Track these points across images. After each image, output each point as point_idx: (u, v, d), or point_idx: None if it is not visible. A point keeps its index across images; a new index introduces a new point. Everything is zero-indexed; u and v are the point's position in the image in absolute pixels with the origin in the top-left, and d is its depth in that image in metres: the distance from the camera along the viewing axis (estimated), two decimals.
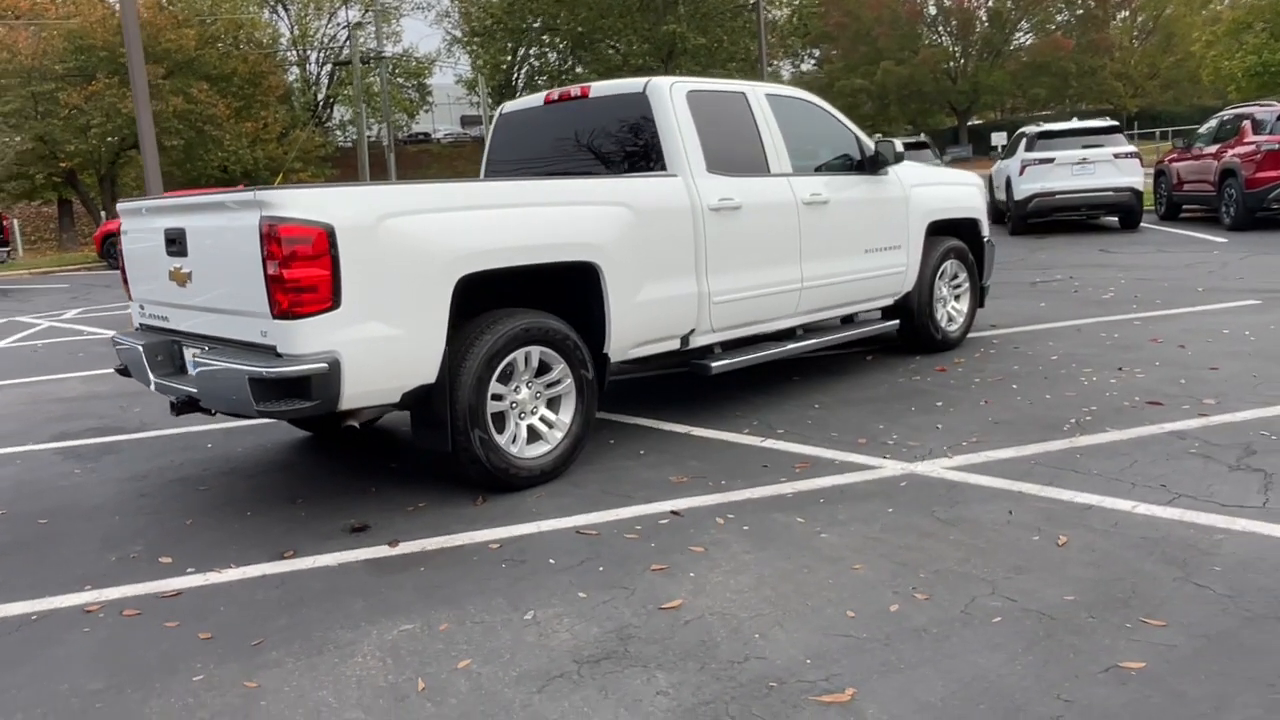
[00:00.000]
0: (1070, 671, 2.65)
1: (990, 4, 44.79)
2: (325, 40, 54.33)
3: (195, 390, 4.18)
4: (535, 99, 6.03)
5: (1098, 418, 5.07)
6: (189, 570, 3.80)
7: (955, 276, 7.14)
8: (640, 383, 6.65)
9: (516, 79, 37.81)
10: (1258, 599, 2.99)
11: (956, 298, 7.21)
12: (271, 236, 3.72)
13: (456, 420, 4.23)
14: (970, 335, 7.42)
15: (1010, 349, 6.97)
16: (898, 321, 6.68)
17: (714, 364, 5.33)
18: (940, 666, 2.72)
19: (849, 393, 5.98)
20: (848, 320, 6.64)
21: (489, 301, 4.49)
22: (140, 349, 4.61)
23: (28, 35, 29.02)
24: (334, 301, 3.81)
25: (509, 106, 6.23)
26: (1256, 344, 6.56)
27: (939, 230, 6.92)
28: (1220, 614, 2.92)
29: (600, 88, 5.67)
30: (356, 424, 4.28)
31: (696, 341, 5.33)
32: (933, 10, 46.25)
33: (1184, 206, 16.40)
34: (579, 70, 32.77)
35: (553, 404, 4.67)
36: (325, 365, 3.79)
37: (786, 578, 3.38)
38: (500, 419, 4.46)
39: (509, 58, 34.08)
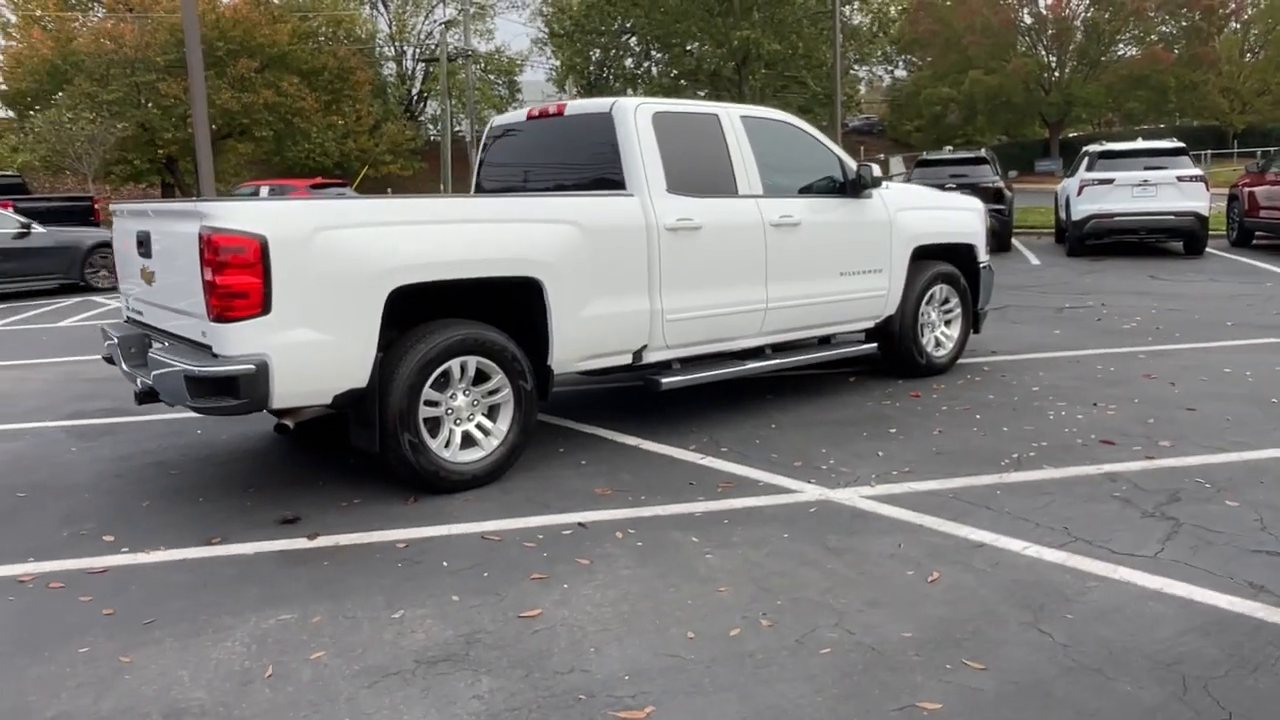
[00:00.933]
0: (865, 707, 2.72)
1: (1088, 14, 43.39)
2: (422, 36, 55.83)
3: (151, 382, 4.50)
4: (521, 113, 6.24)
5: (1041, 454, 5.03)
6: (124, 549, 4.11)
7: (946, 301, 7.09)
8: (615, 393, 6.80)
9: (608, 76, 38.14)
10: (1091, 650, 2.99)
11: (947, 323, 7.15)
12: (209, 245, 4.01)
13: (386, 423, 4.46)
14: (964, 361, 7.36)
15: (996, 377, 6.90)
16: (876, 344, 6.69)
17: (665, 380, 5.45)
18: (745, 692, 2.82)
19: (812, 414, 6.02)
20: (826, 341, 6.66)
21: (434, 311, 4.71)
22: (116, 340, 4.97)
23: (133, 28, 30.65)
24: (265, 308, 4.07)
25: (499, 119, 6.46)
26: (1251, 385, 6.37)
27: (928, 255, 6.89)
28: (1045, 662, 2.94)
29: (574, 106, 5.85)
30: (290, 424, 4.55)
31: (651, 357, 5.46)
32: (1027, 19, 45.04)
33: (1256, 233, 15.75)
34: (654, 73, 33.00)
35: (492, 412, 4.87)
36: (253, 367, 4.05)
37: (650, 595, 3.50)
38: (436, 424, 4.67)
39: (592, 56, 34.50)
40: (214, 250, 4.00)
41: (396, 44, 54.98)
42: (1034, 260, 15.50)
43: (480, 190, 6.41)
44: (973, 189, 16.59)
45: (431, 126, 58.60)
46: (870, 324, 6.65)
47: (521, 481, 4.85)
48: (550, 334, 4.93)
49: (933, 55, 46.82)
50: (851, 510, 4.32)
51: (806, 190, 6.23)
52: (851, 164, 6.39)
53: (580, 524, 4.24)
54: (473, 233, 4.66)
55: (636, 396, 6.58)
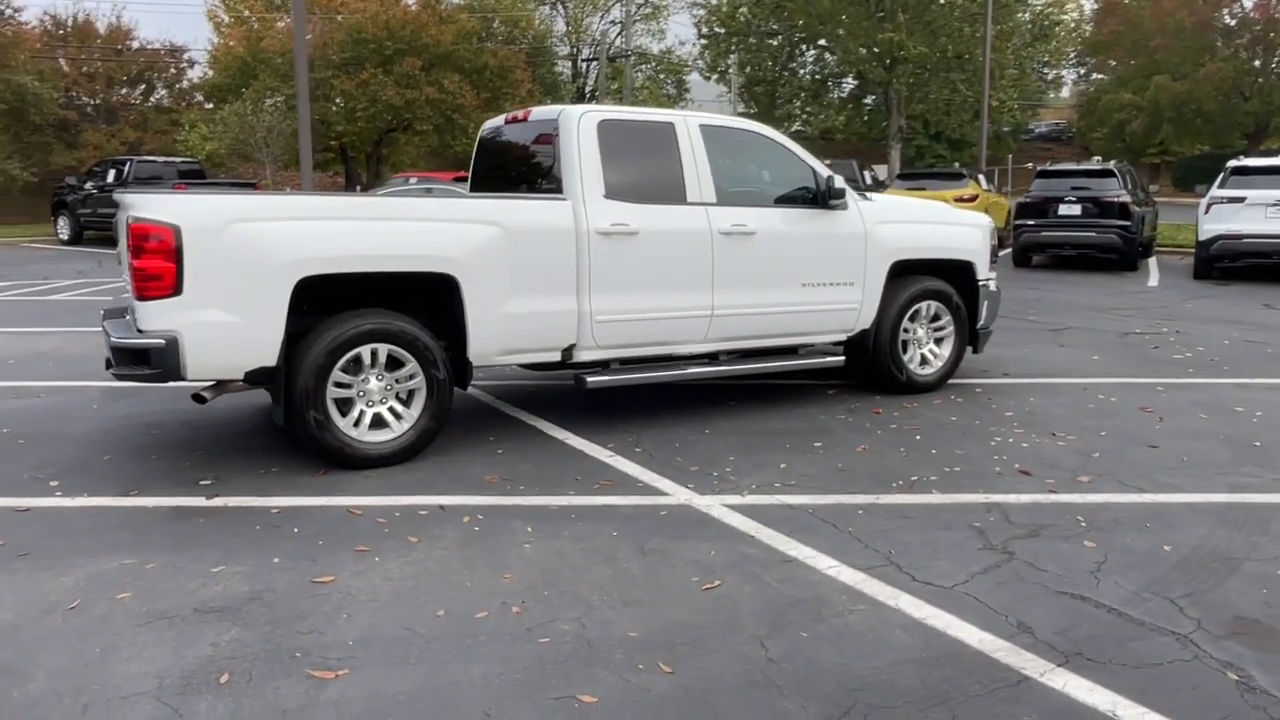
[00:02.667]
0: (530, 692, 2.88)
1: None
2: (598, 35, 57.28)
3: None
4: (502, 119, 6.56)
5: (944, 479, 4.90)
6: (57, 494, 4.72)
7: (937, 319, 6.90)
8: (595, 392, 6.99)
9: (753, 78, 37.83)
10: (792, 669, 3.01)
11: (938, 341, 6.95)
12: (131, 233, 4.55)
13: (293, 401, 4.89)
14: (962, 381, 7.13)
15: (980, 400, 6.65)
16: (843, 357, 6.60)
17: (590, 380, 5.64)
18: (438, 668, 3.02)
19: (756, 423, 6.04)
20: (791, 351, 6.60)
21: (359, 300, 5.10)
22: (104, 315, 5.65)
23: (315, 28, 33.15)
24: (178, 289, 4.57)
25: (488, 124, 6.80)
26: (1247, 426, 5.89)
27: (914, 270, 6.73)
28: (736, 674, 2.98)
29: (537, 112, 6.11)
30: (207, 395, 5.05)
31: (583, 356, 5.66)
32: (1228, 20, 41.36)
33: None
34: (800, 73, 32.61)
35: (407, 397, 5.21)
36: (163, 341, 4.57)
37: (443, 574, 3.74)
38: (349, 404, 5.07)
39: (732, 58, 34.46)
40: (134, 237, 4.53)
41: (572, 42, 56.65)
42: (1152, 281, 14.50)
43: (472, 190, 6.78)
44: (1094, 203, 15.77)
45: None
46: (840, 336, 6.57)
47: (428, 463, 5.18)
48: (467, 328, 5.23)
49: (1117, 59, 43.87)
50: (700, 517, 4.39)
51: (770, 200, 6.24)
52: (825, 175, 6.33)
53: (441, 506, 4.53)
54: (385, 230, 5.02)
55: (608, 396, 6.76)
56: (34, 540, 4.11)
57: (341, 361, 4.96)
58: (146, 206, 4.58)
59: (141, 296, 4.59)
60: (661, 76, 55.35)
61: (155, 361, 4.59)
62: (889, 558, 3.88)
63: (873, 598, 3.52)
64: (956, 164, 29.50)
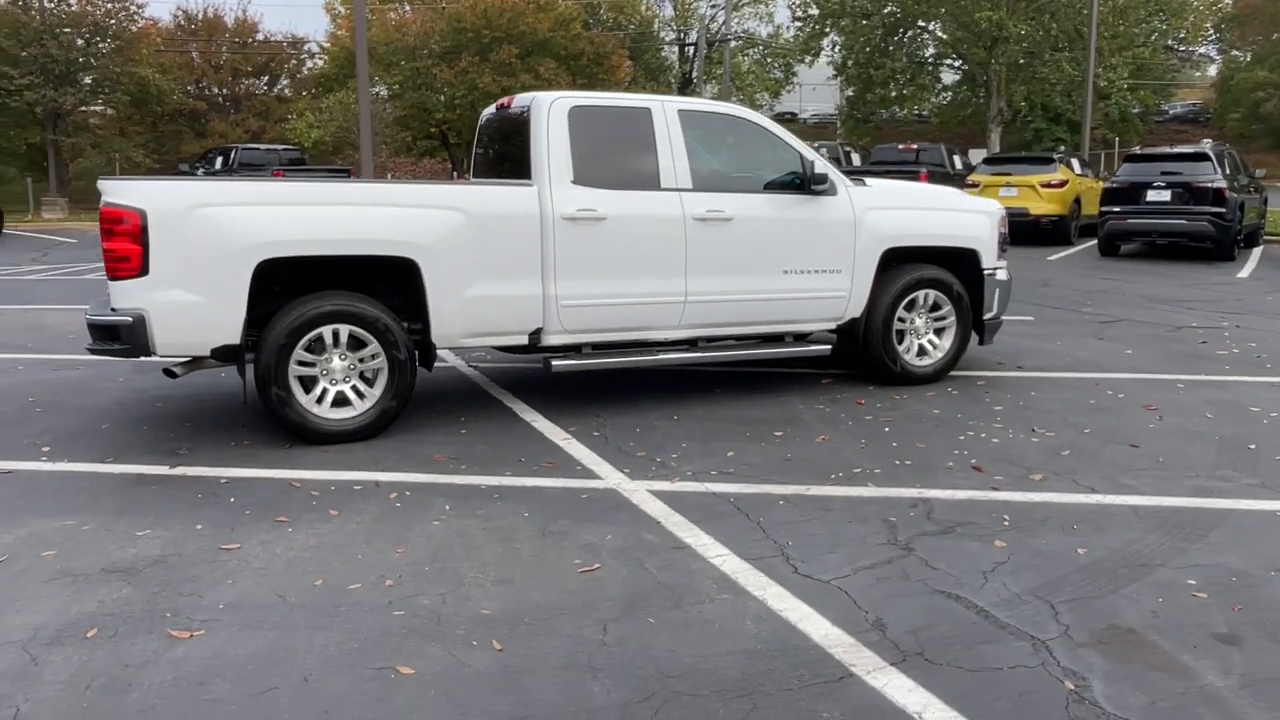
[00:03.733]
0: (356, 661, 2.98)
1: None
2: (706, 20, 56.97)
3: None
4: (493, 106, 6.67)
5: (888, 472, 4.77)
6: (43, 458, 5.09)
7: (937, 308, 6.68)
8: (593, 375, 7.05)
9: (845, 61, 36.94)
10: (620, 653, 3.02)
11: (938, 332, 6.73)
12: (103, 216, 4.85)
13: (256, 378, 5.13)
14: (966, 372, 6.91)
15: (977, 393, 6.42)
16: (829, 347, 6.47)
17: (555, 363, 5.72)
18: (287, 633, 3.16)
19: (730, 410, 6.00)
20: (778, 339, 6.49)
21: (327, 282, 5.31)
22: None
23: (417, 18, 34.10)
24: (144, 270, 4.86)
25: (487, 111, 6.92)
26: (1250, 428, 5.52)
27: (910, 257, 6.54)
28: (561, 654, 3.02)
29: (519, 100, 6.19)
30: (177, 371, 5.34)
31: (551, 340, 5.74)
32: None
33: None
34: (897, 55, 31.63)
35: (373, 376, 5.39)
36: (131, 319, 4.86)
37: (343, 546, 3.88)
38: (313, 382, 5.28)
39: (827, 40, 33.75)
40: (105, 220, 4.84)
41: (678, 27, 56.51)
42: (1243, 273, 13.61)
43: (475, 175, 6.93)
44: (1185, 189, 14.92)
45: None
46: (829, 325, 6.44)
47: (389, 440, 5.35)
48: (428, 310, 5.37)
49: (1254, 34, 40.97)
50: (619, 501, 4.42)
51: (752, 186, 6.16)
52: (812, 161, 6.21)
53: (377, 483, 4.68)
54: (345, 215, 5.20)
55: (596, 381, 6.82)
56: (1, 500, 4.45)
57: (304, 341, 5.17)
58: (116, 192, 4.88)
59: (112, 277, 4.90)
60: (769, 60, 54.70)
61: (124, 337, 4.90)
62: (783, 549, 3.83)
63: (741, 587, 3.48)
64: (1062, 147, 28.13)
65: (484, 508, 4.33)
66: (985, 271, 6.76)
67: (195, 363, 5.35)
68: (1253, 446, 5.17)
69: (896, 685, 2.81)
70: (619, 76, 36.72)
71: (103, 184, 4.94)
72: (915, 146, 22.42)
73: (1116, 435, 5.40)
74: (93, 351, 5.12)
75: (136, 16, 31.99)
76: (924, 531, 4.00)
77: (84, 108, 32.63)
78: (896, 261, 6.52)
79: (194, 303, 4.95)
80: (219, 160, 24.48)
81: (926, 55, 31.99)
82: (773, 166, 6.23)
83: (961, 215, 6.78)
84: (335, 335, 5.26)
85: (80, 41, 30.08)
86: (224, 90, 43.12)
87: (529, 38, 32.83)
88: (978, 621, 3.21)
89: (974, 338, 6.89)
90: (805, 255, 6.20)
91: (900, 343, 6.60)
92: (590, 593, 3.46)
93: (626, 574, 3.62)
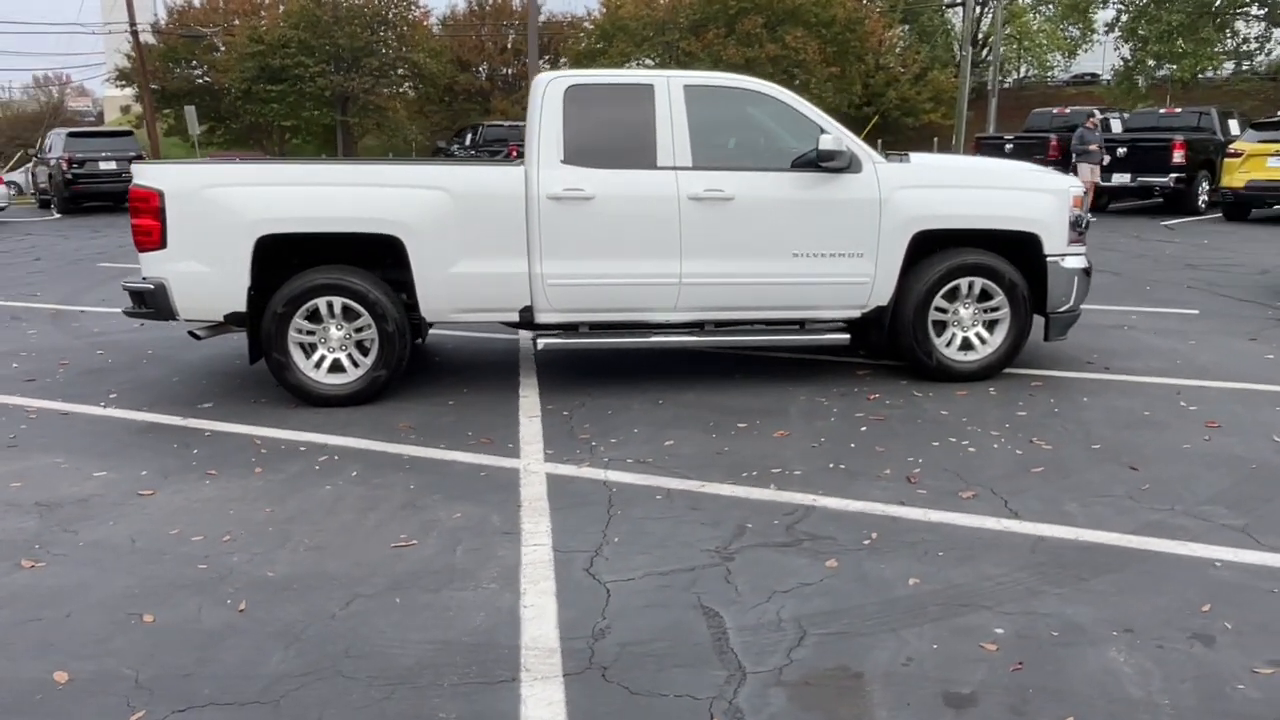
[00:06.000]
0: (116, 605, 3.29)
1: None
2: None
3: None
4: None
5: (808, 476, 4.43)
6: (101, 404, 5.92)
7: (988, 298, 5.99)
8: (620, 354, 7.03)
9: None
10: (296, 627, 3.12)
11: (991, 325, 6.04)
12: (131, 196, 5.54)
13: (259, 342, 5.65)
14: (1040, 371, 6.17)
15: (1017, 394, 5.71)
16: (847, 336, 5.99)
17: (540, 342, 5.78)
18: (100, 572, 3.55)
19: (720, 398, 5.77)
20: (798, 325, 6.08)
21: (330, 258, 5.73)
22: None
23: None
24: (163, 243, 5.50)
25: None
26: None
27: (951, 241, 5.90)
28: (224, 621, 3.16)
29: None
30: (200, 333, 5.96)
31: (542, 318, 5.81)
32: None
33: None
34: (1171, 6, 27.61)
35: (371, 345, 5.75)
36: (153, 287, 5.53)
37: (230, 502, 4.24)
38: (313, 349, 5.73)
39: None
40: (132, 199, 5.52)
41: None
42: None
43: None
44: None
45: (992, 74, 55.76)
46: (853, 313, 5.98)
47: (379, 405, 5.69)
48: (415, 286, 5.63)
49: None
50: (508, 481, 4.44)
51: (763, 163, 5.83)
52: (835, 137, 5.75)
53: (323, 445, 5.03)
54: (335, 195, 5.55)
55: (624, 360, 6.80)
56: (30, 437, 5.26)
57: (301, 311, 5.62)
58: (142, 174, 5.54)
59: (140, 249, 5.58)
60: (1058, 20, 50.09)
61: (149, 303, 5.58)
62: (602, 546, 3.71)
63: (516, 579, 3.44)
64: None
65: (384, 477, 4.54)
66: (1048, 258, 5.95)
67: (217, 327, 5.96)
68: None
69: (539, 698, 2.70)
70: (871, 44, 35.25)
71: (134, 167, 5.63)
72: (1178, 110, 19.72)
73: (1128, 454, 4.63)
74: (128, 314, 5.87)
75: (413, 7, 35.11)
76: (767, 542, 3.71)
77: (369, 92, 36.34)
78: (937, 245, 5.92)
79: (205, 273, 5.54)
80: (468, 137, 26.39)
81: (1208, 7, 27.87)
82: (788, 143, 5.85)
83: (1017, 194, 6.00)
84: (330, 306, 5.66)
85: (365, 32, 33.54)
86: (509, 70, 46.26)
87: (777, 6, 32.35)
88: (702, 644, 2.96)
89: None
90: (818, 237, 5.80)
91: (940, 335, 6.01)
92: (378, 567, 3.57)
93: (431, 554, 3.68)
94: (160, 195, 5.44)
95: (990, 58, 44.07)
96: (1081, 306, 6.24)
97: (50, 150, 25.64)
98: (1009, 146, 20.57)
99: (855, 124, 37.66)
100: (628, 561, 3.57)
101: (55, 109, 57.36)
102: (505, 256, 5.66)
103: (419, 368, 6.63)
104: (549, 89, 5.71)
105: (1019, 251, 6.01)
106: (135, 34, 33.78)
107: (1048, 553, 3.57)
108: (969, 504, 4.05)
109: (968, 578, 3.37)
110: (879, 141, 28.01)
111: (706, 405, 5.64)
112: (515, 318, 5.83)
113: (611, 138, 5.74)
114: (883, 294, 5.92)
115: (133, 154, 24.80)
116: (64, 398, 6.02)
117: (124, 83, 43.00)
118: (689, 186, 5.68)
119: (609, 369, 6.52)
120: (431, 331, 7.07)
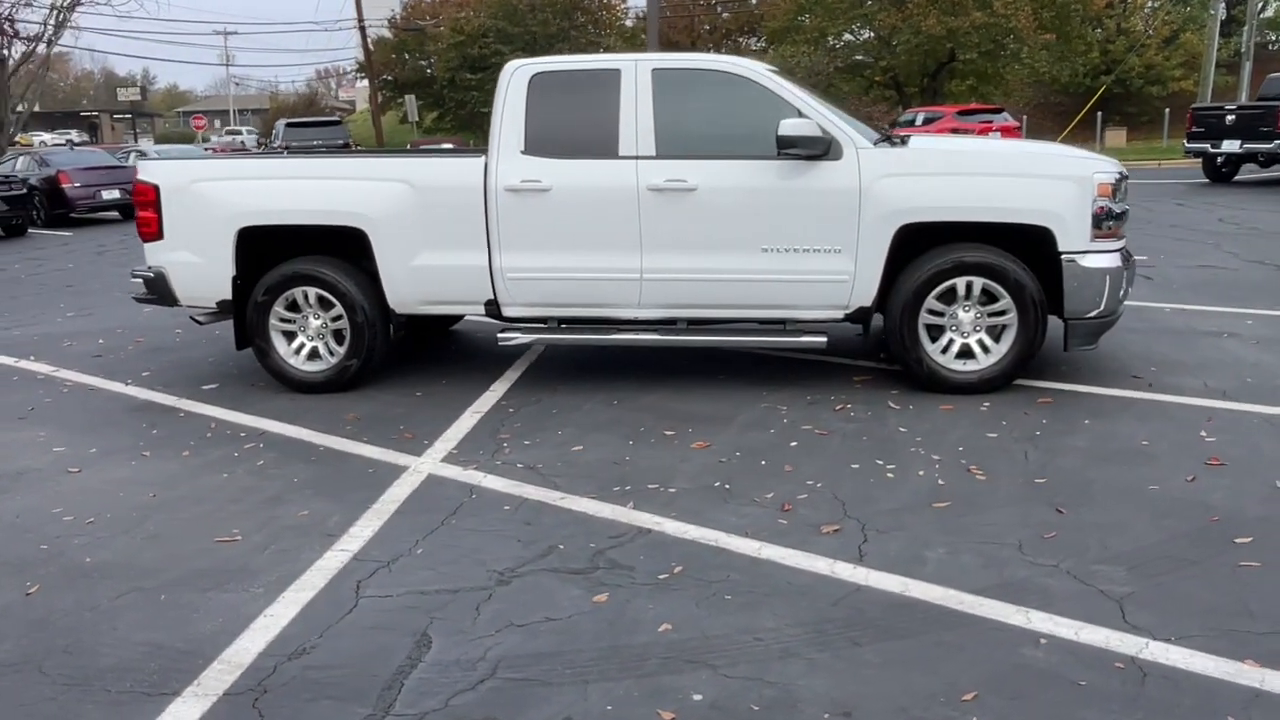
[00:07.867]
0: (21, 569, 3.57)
1: None
2: None
3: None
4: None
5: (676, 497, 4.09)
6: (127, 382, 6.43)
7: (992, 300, 5.27)
8: (627, 351, 6.78)
9: None
10: (97, 616, 3.22)
11: (997, 332, 5.31)
12: (133, 190, 5.97)
13: (243, 329, 5.94)
14: (1064, 385, 5.40)
15: (1007, 412, 4.99)
16: (824, 339, 5.45)
17: (500, 336, 5.70)
18: (34, 538, 3.86)
19: (679, 403, 5.43)
20: (780, 325, 5.60)
21: (310, 249, 5.91)
22: None
23: None
24: (160, 234, 5.89)
25: None
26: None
27: (945, 235, 5.24)
28: (91, 604, 3.29)
29: None
30: (201, 319, 6.29)
31: (508, 312, 5.73)
32: None
33: None
34: None
35: (344, 335, 5.90)
36: (153, 275, 5.95)
37: (131, 483, 4.49)
38: (294, 336, 5.95)
39: None
40: (135, 194, 5.94)
41: None
42: None
43: None
44: None
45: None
46: (836, 314, 5.45)
47: (350, 396, 5.81)
48: (380, 278, 5.71)
49: None
50: (385, 480, 4.41)
51: (731, 151, 5.40)
52: (816, 122, 5.23)
53: (262, 431, 5.22)
54: (303, 188, 5.70)
55: (618, 356, 6.57)
56: (45, 410, 5.81)
57: (281, 300, 5.85)
58: (143, 170, 5.95)
59: (144, 239, 6.00)
60: None
61: (151, 289, 6.00)
62: (401, 555, 3.61)
63: (290, 585, 3.40)
64: None
65: (283, 468, 4.64)
66: (1064, 256, 5.15)
67: (216, 314, 6.29)
68: (1242, 541, 3.44)
69: (172, 716, 2.64)
70: (1098, 6, 31.98)
71: (137, 164, 6.05)
72: None
73: (1068, 493, 3.93)
74: (137, 300, 6.32)
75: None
76: (562, 567, 3.45)
77: None
78: (934, 241, 5.29)
79: (196, 262, 5.87)
80: None
81: None
82: (764, 129, 5.38)
83: (1024, 181, 5.20)
84: (305, 296, 5.85)
85: (559, 19, 34.43)
86: (720, 49, 46.18)
87: None
88: (380, 676, 2.80)
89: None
90: (790, 231, 5.32)
91: (935, 340, 5.36)
92: (184, 561, 3.65)
93: (242, 551, 3.72)
94: (156, 189, 5.82)
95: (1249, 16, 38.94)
96: (1121, 307, 5.38)
97: (276, 138, 28.47)
98: (1230, 118, 18.11)
99: (1079, 98, 34.57)
100: (407, 576, 3.44)
101: (309, 100, 63.29)
102: (466, 249, 5.61)
103: (430, 357, 6.75)
104: (513, 78, 5.58)
105: (1034, 248, 5.25)
106: (363, 30, 36.56)
107: (851, 607, 3.09)
108: (820, 540, 3.59)
109: (729, 629, 2.98)
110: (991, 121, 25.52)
111: (658, 410, 5.35)
112: (481, 311, 5.78)
113: (574, 126, 5.53)
114: (865, 294, 5.35)
115: (341, 141, 26.97)
116: (105, 374, 6.60)
117: (363, 75, 46.74)
118: (649, 177, 5.38)
119: (600, 366, 6.33)
120: (464, 320, 7.19)
